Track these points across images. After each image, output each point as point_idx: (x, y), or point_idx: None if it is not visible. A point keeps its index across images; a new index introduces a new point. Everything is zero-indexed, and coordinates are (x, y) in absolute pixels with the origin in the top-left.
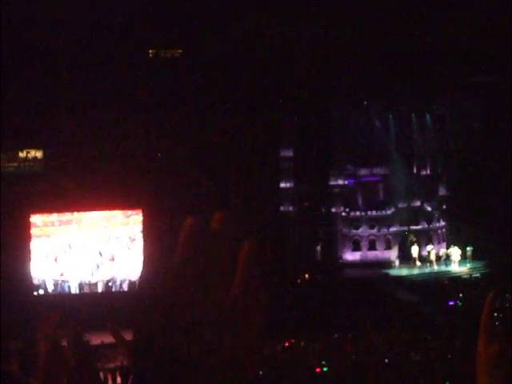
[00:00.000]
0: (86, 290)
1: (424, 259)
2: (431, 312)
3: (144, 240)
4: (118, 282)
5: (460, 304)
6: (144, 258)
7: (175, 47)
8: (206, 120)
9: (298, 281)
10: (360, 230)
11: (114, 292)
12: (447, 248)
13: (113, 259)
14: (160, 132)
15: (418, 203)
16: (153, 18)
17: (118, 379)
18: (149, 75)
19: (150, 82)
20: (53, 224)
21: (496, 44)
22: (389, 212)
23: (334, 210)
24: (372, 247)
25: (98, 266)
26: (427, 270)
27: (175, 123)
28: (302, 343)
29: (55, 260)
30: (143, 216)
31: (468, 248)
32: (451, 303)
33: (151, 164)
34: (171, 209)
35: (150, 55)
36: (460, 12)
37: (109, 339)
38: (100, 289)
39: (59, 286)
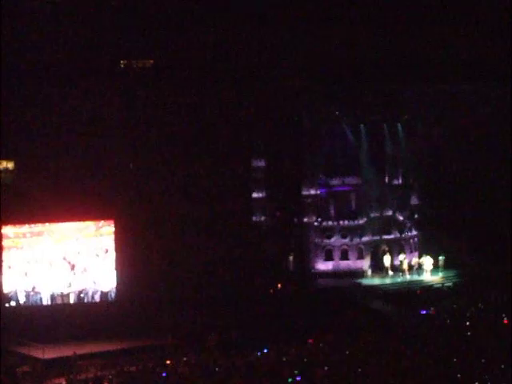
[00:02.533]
0: (58, 301)
1: (396, 268)
2: (404, 321)
3: (116, 251)
4: (90, 293)
5: (432, 313)
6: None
7: (147, 58)
8: (178, 131)
9: (271, 291)
10: (332, 240)
11: (86, 303)
12: (419, 257)
13: (85, 270)
14: (132, 143)
15: (390, 213)
16: (124, 29)
17: None
18: (120, 86)
19: (122, 92)
20: (24, 235)
21: (466, 52)
22: (361, 222)
23: (306, 219)
24: (344, 257)
25: (69, 278)
26: (399, 280)
27: (147, 134)
28: (275, 353)
29: (27, 271)
30: (115, 226)
31: (440, 257)
32: (423, 312)
33: (123, 175)
34: (143, 219)
35: (122, 66)
36: (429, 23)
37: (81, 350)
38: (72, 300)
39: (31, 298)
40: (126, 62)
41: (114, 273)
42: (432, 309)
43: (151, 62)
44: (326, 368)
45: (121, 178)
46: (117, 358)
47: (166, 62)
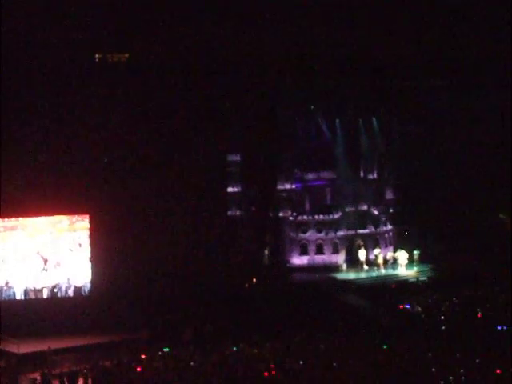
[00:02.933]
0: (32, 296)
1: (371, 263)
2: (379, 315)
3: (91, 245)
4: (63, 288)
5: (408, 307)
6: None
7: (122, 51)
8: (153, 125)
9: (246, 285)
10: (307, 234)
11: (60, 298)
12: (394, 252)
13: (58, 265)
14: (106, 137)
15: (365, 207)
16: (99, 22)
17: None
18: (95, 79)
19: (97, 85)
20: None
21: (438, 49)
22: (336, 216)
23: (281, 214)
24: (319, 251)
25: (43, 272)
26: (374, 274)
27: (122, 129)
28: (250, 347)
29: (0, 266)
30: (90, 221)
31: (415, 251)
32: (399, 307)
33: (97, 169)
34: (118, 214)
35: (97, 59)
36: (403, 20)
37: (56, 345)
38: (45, 295)
39: (4, 293)
40: (101, 55)
41: (88, 267)
42: (407, 303)
43: (126, 55)
44: (301, 362)
45: (95, 172)
46: (91, 353)
47: (141, 56)
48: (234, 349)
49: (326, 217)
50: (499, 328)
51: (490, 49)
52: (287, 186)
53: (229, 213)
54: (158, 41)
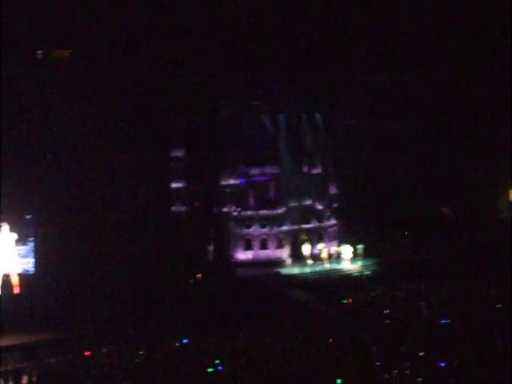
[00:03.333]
0: None
1: (315, 257)
2: (323, 310)
3: (35, 241)
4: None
5: (352, 301)
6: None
7: (65, 47)
8: (96, 121)
9: (190, 281)
10: (252, 229)
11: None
12: (338, 246)
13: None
14: (48, 133)
15: (309, 202)
16: (42, 18)
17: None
18: (37, 76)
19: (39, 82)
20: None
21: (380, 43)
22: (280, 211)
23: (225, 209)
24: (264, 246)
25: None
26: (319, 268)
27: (64, 124)
28: (195, 343)
29: None
30: (33, 216)
31: (359, 246)
32: (344, 301)
33: (41, 164)
34: (61, 210)
35: (39, 55)
36: (345, 13)
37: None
38: None
39: None
40: (43, 51)
41: (32, 263)
42: (352, 297)
43: (69, 51)
44: (246, 357)
45: (39, 166)
46: (36, 350)
47: (84, 52)
48: (180, 344)
49: (270, 212)
50: (443, 322)
51: (432, 40)
52: (231, 182)
53: (172, 208)
54: (99, 37)
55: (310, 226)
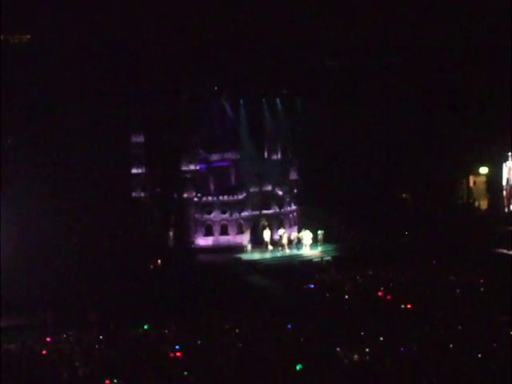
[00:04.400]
0: None
1: (276, 243)
2: (283, 295)
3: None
4: None
5: (312, 286)
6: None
7: (24, 33)
8: (55, 107)
9: (151, 266)
10: (212, 215)
11: None
12: (299, 232)
13: None
14: (7, 120)
15: (270, 188)
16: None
17: None
18: None
19: None
20: None
21: (343, 30)
22: (240, 197)
23: (185, 195)
24: (224, 232)
25: None
26: (279, 254)
27: (23, 111)
28: (156, 329)
29: None
30: None
31: (319, 231)
32: (304, 286)
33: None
34: (22, 194)
35: None
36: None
37: None
38: None
39: None
40: (2, 36)
41: None
42: (312, 282)
43: (28, 37)
44: (207, 343)
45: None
46: None
47: (43, 37)
48: (140, 330)
49: (231, 197)
50: (402, 307)
51: (390, 30)
52: (191, 167)
53: (133, 194)
54: (59, 22)
55: (270, 211)
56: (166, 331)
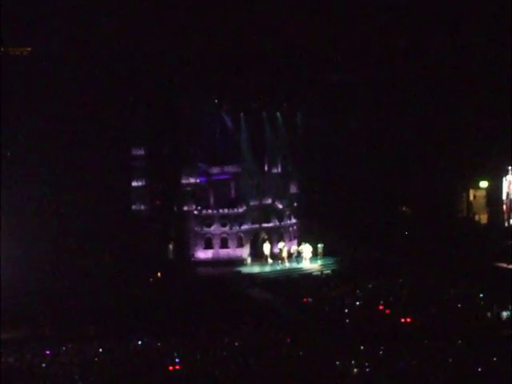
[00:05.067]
0: None
1: (276, 256)
2: (283, 309)
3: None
4: None
5: (312, 300)
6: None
7: (24, 45)
8: (56, 120)
9: (150, 279)
10: (212, 228)
11: None
12: (298, 245)
13: None
14: (9, 133)
15: (270, 201)
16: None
17: None
18: None
19: None
20: None
21: (343, 43)
22: (240, 210)
23: (185, 208)
24: (224, 245)
25: None
26: (279, 267)
27: (24, 123)
28: (155, 342)
29: None
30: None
31: (319, 245)
32: (304, 300)
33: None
34: (20, 209)
35: None
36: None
37: None
38: None
39: None
40: (2, 49)
41: None
42: (311, 296)
43: (28, 49)
44: (206, 356)
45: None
46: None
47: (43, 50)
48: (139, 343)
49: (231, 211)
50: (402, 321)
51: (395, 43)
52: (191, 180)
53: (133, 207)
54: (60, 35)
55: (270, 224)
56: (166, 344)
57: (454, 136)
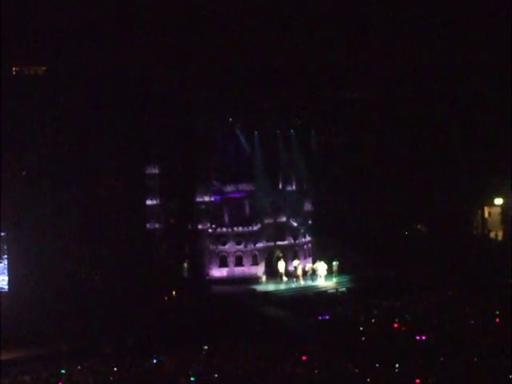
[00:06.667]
0: None
1: (290, 274)
2: (298, 327)
3: (8, 259)
4: None
5: (327, 318)
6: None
7: (39, 64)
8: (71, 138)
9: (165, 298)
10: (227, 246)
11: None
12: (313, 263)
13: None
14: (24, 150)
15: (284, 219)
16: (16, 34)
17: None
18: (12, 92)
19: (14, 99)
20: None
21: (357, 61)
22: (255, 228)
23: (200, 226)
24: (239, 263)
25: None
26: (294, 285)
27: (39, 141)
28: (171, 360)
29: None
30: (8, 233)
31: (334, 263)
32: (319, 317)
33: (15, 180)
34: (36, 226)
35: (14, 72)
36: (320, 31)
37: None
38: None
39: None
40: (18, 68)
41: (6, 280)
42: (327, 314)
43: (44, 68)
44: (221, 374)
45: (13, 181)
46: (10, 368)
47: (58, 69)
48: (155, 361)
49: (245, 229)
50: (418, 338)
51: (404, 61)
52: (206, 199)
53: (147, 226)
54: (75, 54)
55: (284, 242)
56: (181, 362)
57: (468, 153)
